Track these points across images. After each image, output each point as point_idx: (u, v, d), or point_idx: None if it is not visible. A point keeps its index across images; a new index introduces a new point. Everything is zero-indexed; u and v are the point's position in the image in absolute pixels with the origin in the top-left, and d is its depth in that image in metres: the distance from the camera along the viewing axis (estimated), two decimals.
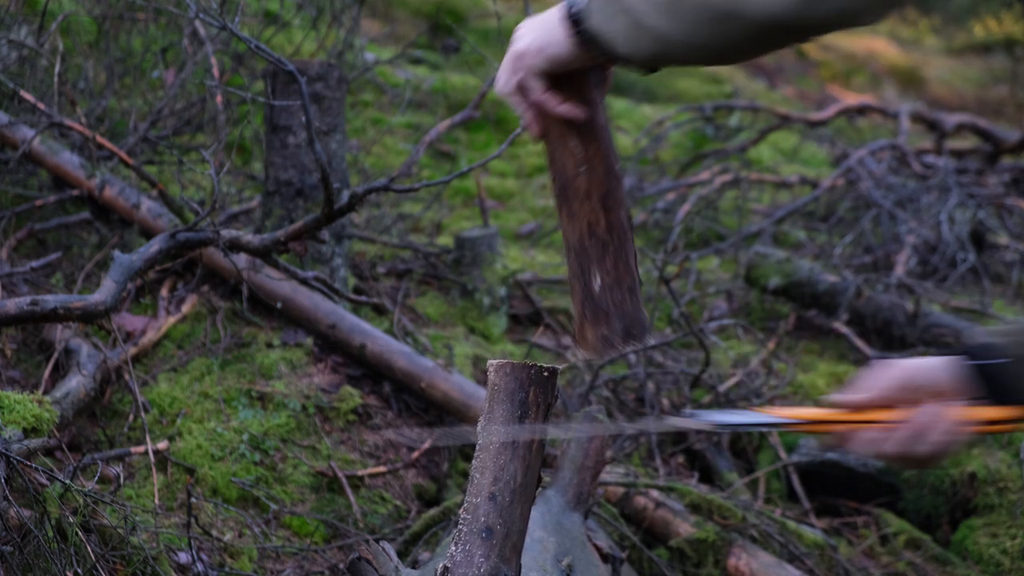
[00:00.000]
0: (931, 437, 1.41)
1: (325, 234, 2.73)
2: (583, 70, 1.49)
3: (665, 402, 3.61)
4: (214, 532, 2.67)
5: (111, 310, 2.41)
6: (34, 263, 3.20)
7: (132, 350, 3.16)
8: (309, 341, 3.31)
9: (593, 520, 2.55)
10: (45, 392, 2.82)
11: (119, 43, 4.28)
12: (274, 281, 3.32)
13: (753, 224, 5.18)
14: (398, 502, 3.02)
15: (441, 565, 1.58)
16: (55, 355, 3.02)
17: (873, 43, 11.57)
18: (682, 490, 2.91)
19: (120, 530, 2.37)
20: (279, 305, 3.33)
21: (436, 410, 3.25)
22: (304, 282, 3.00)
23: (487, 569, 1.55)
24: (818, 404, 1.49)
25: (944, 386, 1.43)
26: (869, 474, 3.43)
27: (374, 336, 3.27)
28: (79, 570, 2.20)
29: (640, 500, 2.89)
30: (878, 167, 5.48)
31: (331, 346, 3.32)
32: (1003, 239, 5.22)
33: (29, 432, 2.50)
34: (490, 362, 1.61)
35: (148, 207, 3.51)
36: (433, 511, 2.81)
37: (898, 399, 1.44)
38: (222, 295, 3.45)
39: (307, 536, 2.82)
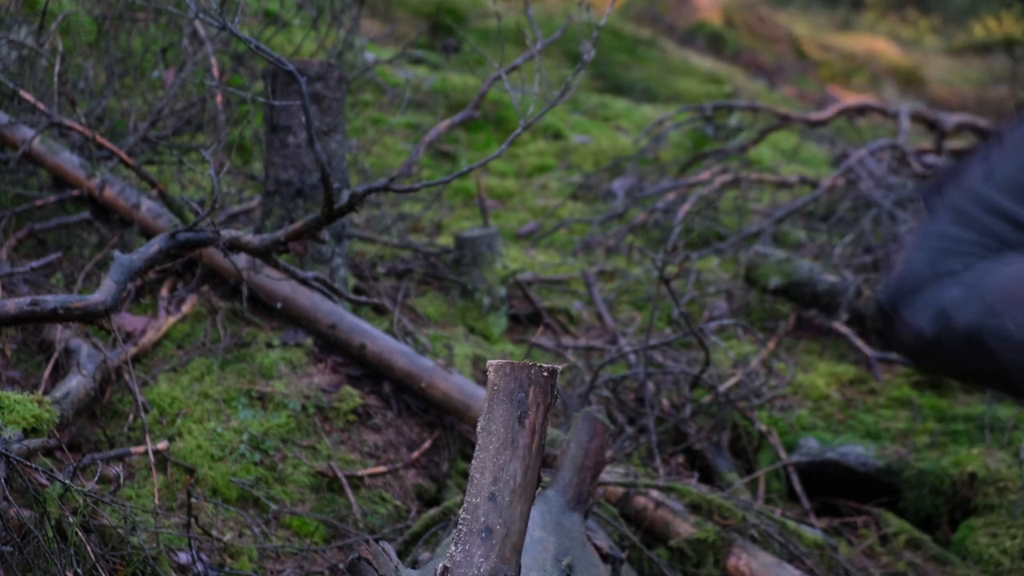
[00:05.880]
0: None
1: (325, 234, 2.72)
2: None
3: (665, 402, 3.61)
4: (214, 532, 2.67)
5: (111, 310, 2.41)
6: (34, 263, 3.20)
7: (132, 350, 3.16)
8: (309, 341, 3.31)
9: (593, 520, 2.55)
10: (45, 392, 2.82)
11: (119, 43, 4.27)
12: (274, 281, 3.32)
13: (753, 224, 5.17)
14: (398, 502, 3.02)
15: (441, 565, 1.58)
16: (55, 355, 3.02)
17: (873, 43, 11.57)
18: (682, 490, 2.91)
19: (120, 530, 2.37)
20: (279, 305, 3.33)
21: (436, 410, 3.25)
22: (304, 282, 3.00)
23: (487, 569, 1.55)
24: None
25: None
26: (869, 474, 3.43)
27: (374, 336, 3.27)
28: (79, 570, 2.20)
29: (640, 500, 2.88)
30: (878, 167, 5.48)
31: (331, 346, 3.32)
32: None
33: (29, 432, 2.51)
34: (490, 362, 1.61)
35: (148, 207, 3.52)
36: (433, 511, 2.81)
37: None
38: (222, 295, 3.45)
39: (307, 536, 2.82)
